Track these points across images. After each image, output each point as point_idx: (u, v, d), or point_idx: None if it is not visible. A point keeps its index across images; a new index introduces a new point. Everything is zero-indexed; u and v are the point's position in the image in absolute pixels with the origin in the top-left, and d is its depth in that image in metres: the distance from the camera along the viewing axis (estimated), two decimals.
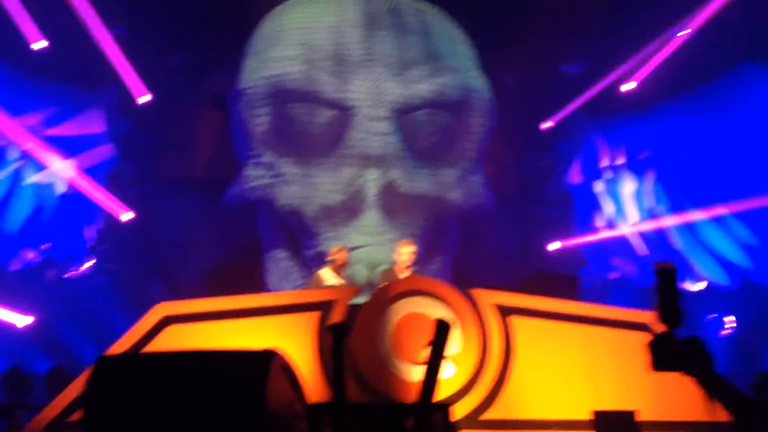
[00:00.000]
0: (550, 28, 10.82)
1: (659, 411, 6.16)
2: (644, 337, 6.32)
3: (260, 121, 10.46)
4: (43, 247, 10.39)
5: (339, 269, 7.59)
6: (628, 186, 11.42)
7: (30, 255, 10.37)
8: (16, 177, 10.24)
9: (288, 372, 3.79)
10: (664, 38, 10.69)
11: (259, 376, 3.45)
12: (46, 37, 10.29)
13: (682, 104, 10.83)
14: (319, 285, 7.44)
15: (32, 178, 10.34)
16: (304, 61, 10.38)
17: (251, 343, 5.64)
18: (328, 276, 7.52)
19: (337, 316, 6.29)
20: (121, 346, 6.13)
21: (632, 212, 11.30)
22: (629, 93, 11.12)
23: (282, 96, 10.40)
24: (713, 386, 2.19)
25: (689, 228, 10.75)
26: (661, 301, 2.37)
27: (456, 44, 10.99)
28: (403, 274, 7.34)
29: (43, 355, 9.96)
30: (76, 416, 5.75)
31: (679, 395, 6.23)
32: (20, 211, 10.23)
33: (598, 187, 11.58)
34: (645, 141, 11.29)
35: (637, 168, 11.38)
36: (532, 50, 11.07)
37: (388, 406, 5.37)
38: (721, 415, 6.02)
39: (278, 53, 10.48)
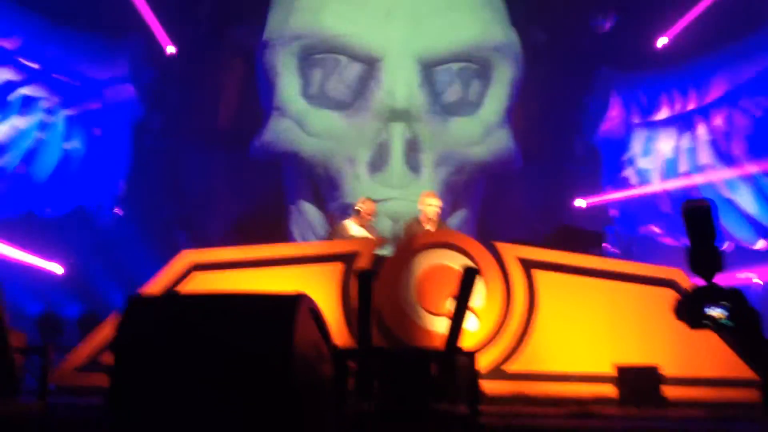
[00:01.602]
0: None
1: (683, 366, 6.18)
2: (669, 293, 6.41)
3: (285, 72, 10.40)
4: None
5: (365, 221, 7.60)
6: (657, 143, 11.27)
7: (60, 203, 10.50)
8: (44, 126, 10.31)
9: (316, 315, 3.82)
10: None
11: (286, 317, 3.48)
12: None
13: (717, 59, 10.59)
14: (343, 235, 7.47)
15: (60, 126, 10.42)
16: (330, 12, 10.26)
17: (277, 291, 5.71)
18: (352, 227, 7.54)
19: (362, 266, 6.33)
20: (147, 291, 6.23)
21: (661, 169, 11.17)
22: (661, 48, 10.92)
23: (307, 47, 10.32)
24: (757, 346, 2.05)
25: (718, 186, 10.61)
26: (695, 246, 2.19)
27: None
28: (428, 226, 7.34)
29: (74, 301, 10.18)
30: (106, 356, 5.89)
31: (703, 351, 6.27)
32: (49, 159, 10.33)
33: (629, 143, 11.43)
34: (677, 96, 11.09)
35: (666, 124, 11.21)
36: (562, 2, 10.86)
37: (414, 350, 5.43)
38: (747, 372, 6.05)
39: (305, 4, 10.37)
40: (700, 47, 10.69)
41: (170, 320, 3.70)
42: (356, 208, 7.70)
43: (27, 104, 10.14)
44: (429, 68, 10.40)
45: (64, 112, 10.40)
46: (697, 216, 2.12)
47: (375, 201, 8.00)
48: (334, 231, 7.92)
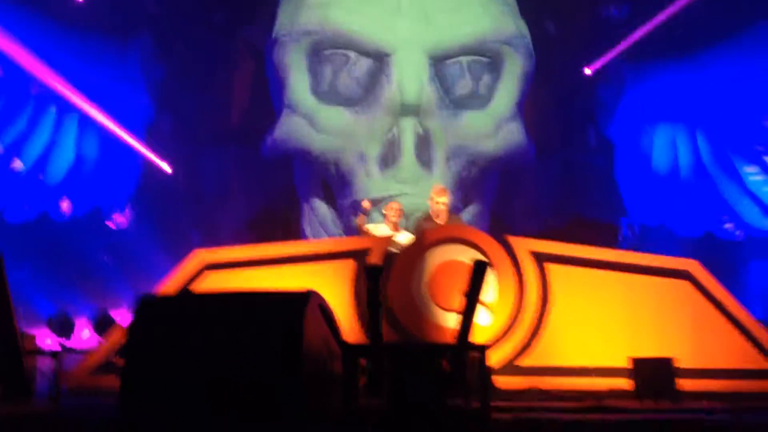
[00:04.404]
0: None
1: (698, 358, 6.12)
2: (684, 285, 6.36)
3: (295, 68, 10.38)
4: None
5: (393, 221, 7.57)
6: (672, 133, 11.17)
7: (72, 205, 10.57)
8: (57, 128, 10.38)
9: (326, 312, 3.81)
10: None
11: (296, 315, 3.48)
12: None
13: (729, 49, 10.48)
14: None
15: (73, 128, 10.48)
16: (339, 7, 10.23)
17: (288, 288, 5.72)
18: (380, 228, 7.52)
19: (372, 262, 6.32)
20: (160, 291, 6.25)
21: (676, 160, 11.09)
22: (673, 38, 10.81)
23: (317, 43, 10.30)
24: None
25: (732, 176, 10.52)
26: None
27: None
28: (439, 220, 7.32)
29: (87, 300, 10.24)
30: (119, 358, 5.91)
31: (718, 342, 6.22)
32: (62, 161, 10.40)
33: (644, 134, 11.32)
34: (689, 88, 10.99)
35: (682, 115, 11.10)
36: None
37: (425, 346, 5.42)
38: (763, 363, 5.99)
39: (313, 0, 10.36)
40: (711, 36, 10.58)
41: (180, 319, 3.71)
42: (383, 213, 7.73)
43: (39, 108, 10.22)
44: (439, 62, 10.34)
45: (76, 115, 10.46)
46: None
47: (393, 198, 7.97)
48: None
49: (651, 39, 11.00)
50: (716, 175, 10.62)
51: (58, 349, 6.61)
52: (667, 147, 11.18)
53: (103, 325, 9.13)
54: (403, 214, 7.86)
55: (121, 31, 10.72)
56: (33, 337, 4.86)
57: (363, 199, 8.41)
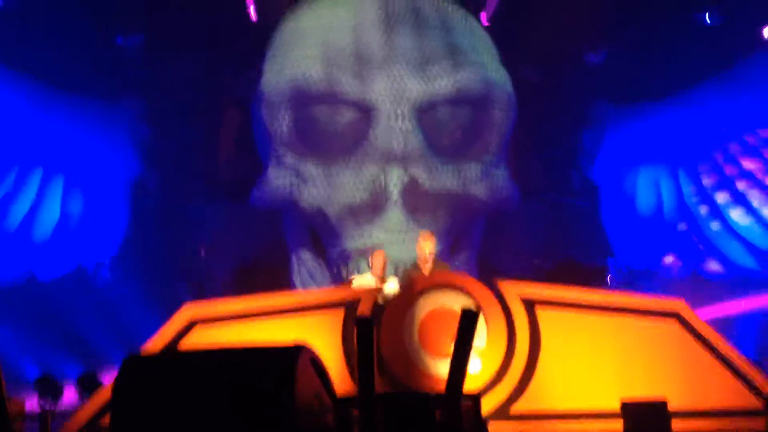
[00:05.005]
0: (569, 16, 10.76)
1: (690, 399, 6.09)
2: (673, 325, 6.37)
3: (282, 122, 10.49)
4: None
5: (379, 271, 7.54)
6: (655, 175, 11.31)
7: (59, 264, 10.50)
8: (43, 188, 10.37)
9: (317, 365, 3.79)
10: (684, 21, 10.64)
11: (287, 369, 3.45)
12: (68, 49, 10.46)
13: (709, 88, 10.70)
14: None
15: (58, 188, 10.48)
16: (324, 61, 10.39)
17: (278, 341, 5.68)
18: (367, 278, 7.50)
19: (362, 312, 6.30)
20: (149, 348, 6.18)
21: (660, 202, 11.20)
22: (651, 81, 11.03)
23: (303, 97, 10.42)
24: None
25: (717, 214, 10.63)
26: None
27: (476, 38, 10.95)
28: (427, 266, 7.32)
29: (74, 362, 10.09)
30: (105, 419, 5.81)
31: (710, 383, 6.20)
32: (48, 221, 10.37)
33: (628, 176, 11.47)
34: (670, 129, 11.18)
35: (663, 156, 11.26)
36: (551, 40, 11.02)
37: (417, 396, 5.36)
38: (754, 402, 5.98)
39: (298, 54, 10.51)
40: (690, 77, 10.80)
41: (167, 378, 3.66)
42: (368, 263, 7.74)
43: (25, 168, 10.23)
44: (423, 112, 10.49)
45: (62, 174, 10.47)
46: None
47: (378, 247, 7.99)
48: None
49: (630, 82, 11.22)
50: (699, 215, 10.73)
51: (42, 412, 6.48)
52: (651, 188, 11.32)
53: (89, 386, 8.97)
54: (387, 264, 7.84)
55: (107, 91, 10.81)
56: (22, 402, 4.78)
57: (350, 251, 8.39)
